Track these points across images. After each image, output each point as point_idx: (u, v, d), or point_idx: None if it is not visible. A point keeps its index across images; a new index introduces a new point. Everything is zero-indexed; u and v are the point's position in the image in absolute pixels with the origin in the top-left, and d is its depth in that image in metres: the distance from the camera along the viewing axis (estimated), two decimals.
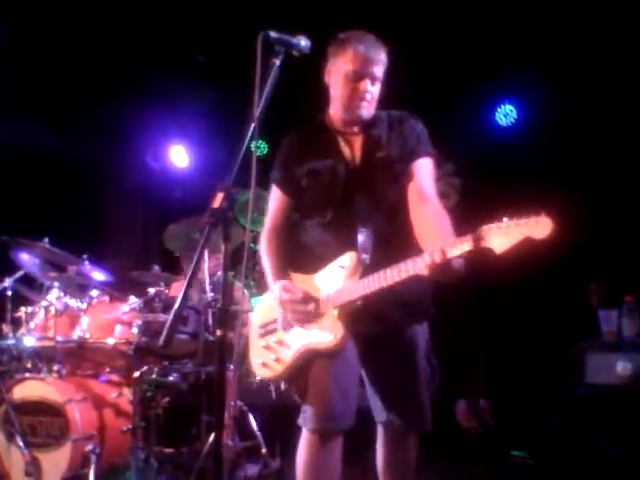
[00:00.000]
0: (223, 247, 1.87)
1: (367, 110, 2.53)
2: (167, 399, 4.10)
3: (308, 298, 2.44)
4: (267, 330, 2.60)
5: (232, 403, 3.71)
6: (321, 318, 2.42)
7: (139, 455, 3.79)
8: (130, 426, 3.83)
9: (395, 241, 2.46)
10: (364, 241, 2.44)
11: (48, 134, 6.30)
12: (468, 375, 5.35)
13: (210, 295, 4.21)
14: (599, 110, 5.29)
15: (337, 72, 2.52)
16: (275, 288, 2.52)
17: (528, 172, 5.43)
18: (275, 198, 2.70)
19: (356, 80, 2.47)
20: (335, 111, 2.60)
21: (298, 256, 2.62)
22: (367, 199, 2.49)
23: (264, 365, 2.57)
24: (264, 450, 4.05)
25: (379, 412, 2.59)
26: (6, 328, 4.27)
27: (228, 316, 1.88)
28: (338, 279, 2.42)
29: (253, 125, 2.05)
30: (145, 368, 3.97)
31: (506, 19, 5.12)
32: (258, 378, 2.58)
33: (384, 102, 2.61)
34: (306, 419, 2.41)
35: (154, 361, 4.13)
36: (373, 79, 2.50)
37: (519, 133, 6.00)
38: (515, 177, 5.36)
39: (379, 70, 2.51)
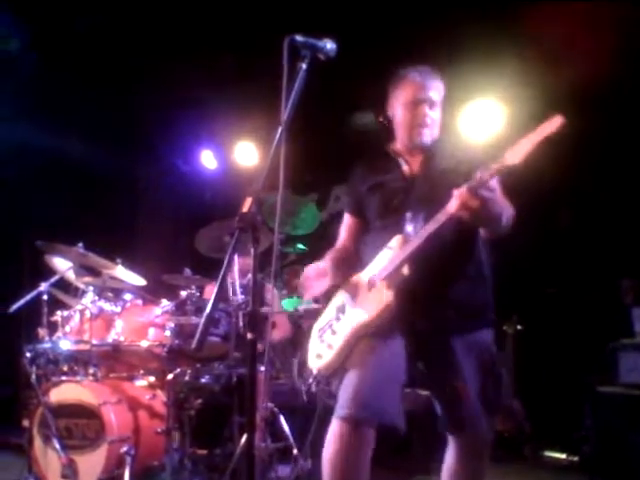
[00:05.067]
0: (252, 251, 1.88)
1: (429, 135, 2.63)
2: (200, 401, 4.13)
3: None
4: (323, 329, 2.65)
5: (263, 405, 3.73)
6: (370, 293, 2.47)
7: (173, 456, 3.83)
8: (164, 428, 3.87)
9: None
10: (413, 228, 2.49)
11: (80, 141, 6.39)
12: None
13: (241, 297, 4.24)
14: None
15: (398, 103, 2.67)
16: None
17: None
18: (344, 221, 2.84)
19: (415, 106, 2.61)
20: (399, 141, 2.71)
21: (359, 268, 2.65)
22: (422, 200, 2.53)
23: (318, 356, 2.61)
24: (295, 451, 4.06)
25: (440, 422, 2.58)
26: (42, 332, 4.33)
27: (258, 318, 1.89)
28: (387, 260, 2.48)
29: (281, 129, 2.07)
30: (178, 370, 4.01)
31: None
32: (313, 371, 2.56)
33: None
34: (338, 407, 2.34)
35: (187, 363, 4.17)
36: (431, 104, 2.62)
37: None
38: None
39: (436, 94, 2.64)
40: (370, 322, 2.41)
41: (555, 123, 2.07)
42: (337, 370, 2.53)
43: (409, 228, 2.50)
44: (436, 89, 2.65)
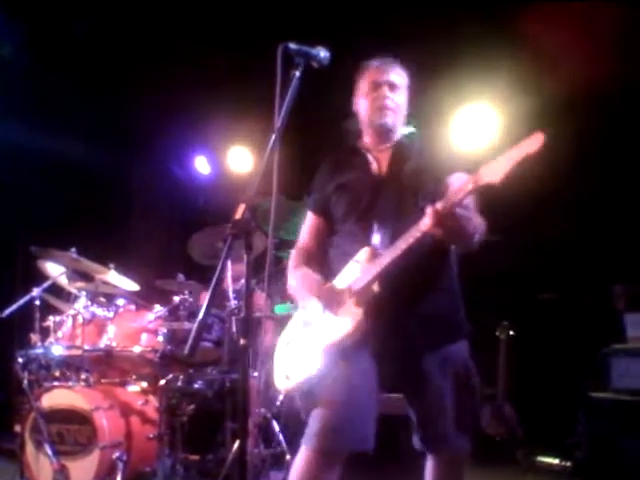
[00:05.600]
0: (245, 257, 1.89)
1: (391, 118, 2.55)
2: (192, 406, 4.13)
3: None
4: (290, 345, 2.55)
5: (256, 410, 3.73)
6: (340, 309, 2.36)
7: (165, 462, 3.82)
8: (156, 433, 3.87)
9: None
10: (381, 239, 2.40)
11: (73, 145, 6.38)
12: (494, 381, 5.32)
13: (234, 303, 4.24)
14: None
15: (360, 94, 2.62)
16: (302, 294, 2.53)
17: None
18: (307, 220, 2.73)
19: (375, 89, 2.55)
20: (366, 135, 2.65)
21: (326, 272, 2.57)
22: (389, 207, 2.46)
23: (286, 377, 2.49)
24: (288, 457, 4.06)
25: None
26: (35, 337, 4.33)
27: (251, 324, 1.89)
28: (355, 273, 2.39)
29: (274, 136, 2.08)
30: (171, 376, 4.01)
31: None
32: (281, 392, 2.41)
33: None
34: (309, 435, 2.24)
35: (179, 369, 4.17)
36: (392, 86, 2.55)
37: None
38: None
39: (397, 78, 2.57)
40: (339, 342, 2.32)
41: (536, 142, 1.94)
42: (306, 393, 2.43)
43: (376, 239, 2.42)
44: (397, 74, 2.58)
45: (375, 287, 2.31)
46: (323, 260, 2.63)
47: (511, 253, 5.70)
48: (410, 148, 2.57)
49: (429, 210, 2.08)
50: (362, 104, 2.61)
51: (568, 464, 4.68)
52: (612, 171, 5.35)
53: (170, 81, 5.92)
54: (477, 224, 2.25)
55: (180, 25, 5.49)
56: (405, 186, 2.47)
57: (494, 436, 5.21)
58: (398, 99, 2.57)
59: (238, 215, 1.90)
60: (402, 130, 2.64)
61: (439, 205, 2.07)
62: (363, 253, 2.40)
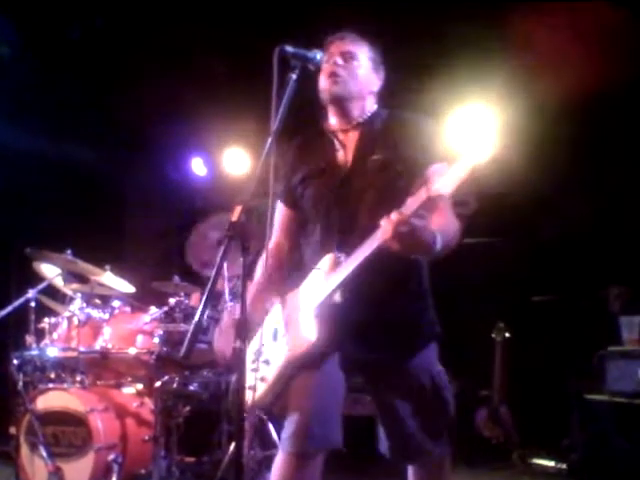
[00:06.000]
0: (242, 260, 1.89)
1: (341, 87, 2.38)
2: (188, 408, 4.14)
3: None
4: (257, 355, 2.41)
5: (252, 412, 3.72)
6: (300, 322, 2.28)
7: (161, 464, 3.82)
8: (152, 435, 3.87)
9: None
10: (343, 245, 2.27)
11: (68, 146, 6.37)
12: (490, 383, 5.33)
13: (230, 304, 4.24)
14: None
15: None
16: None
17: None
18: (278, 211, 2.57)
19: (327, 61, 2.37)
20: (328, 111, 2.49)
21: (295, 276, 2.48)
22: (352, 208, 2.34)
23: (250, 388, 2.34)
24: None
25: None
26: (30, 339, 4.32)
27: (246, 326, 1.89)
28: (318, 282, 2.29)
29: (271, 138, 2.08)
30: (166, 378, 4.01)
31: None
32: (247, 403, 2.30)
33: None
34: (283, 440, 2.23)
35: (175, 371, 4.17)
36: (343, 54, 2.39)
37: None
38: None
39: (352, 46, 2.42)
40: (300, 356, 2.24)
41: (484, 153, 1.83)
42: (274, 402, 2.39)
43: (339, 244, 2.29)
44: (352, 42, 2.42)
45: (337, 297, 2.22)
46: (297, 252, 2.54)
47: (507, 255, 5.71)
48: (377, 135, 2.40)
49: (383, 222, 1.98)
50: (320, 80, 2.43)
51: (563, 466, 4.69)
52: (608, 173, 5.37)
53: (167, 83, 5.92)
54: (443, 230, 2.10)
55: (177, 26, 5.49)
56: (370, 182, 2.34)
57: (490, 438, 5.22)
58: (354, 68, 2.40)
59: (234, 217, 1.90)
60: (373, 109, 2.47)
61: (393, 217, 1.95)
62: (325, 261, 2.28)
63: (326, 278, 2.25)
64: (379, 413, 2.43)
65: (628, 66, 4.63)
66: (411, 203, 1.96)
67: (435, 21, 4.89)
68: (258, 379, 2.35)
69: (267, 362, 2.36)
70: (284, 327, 2.37)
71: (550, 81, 4.82)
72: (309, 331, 2.23)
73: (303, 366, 2.27)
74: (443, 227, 2.12)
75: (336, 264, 2.24)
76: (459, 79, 5.05)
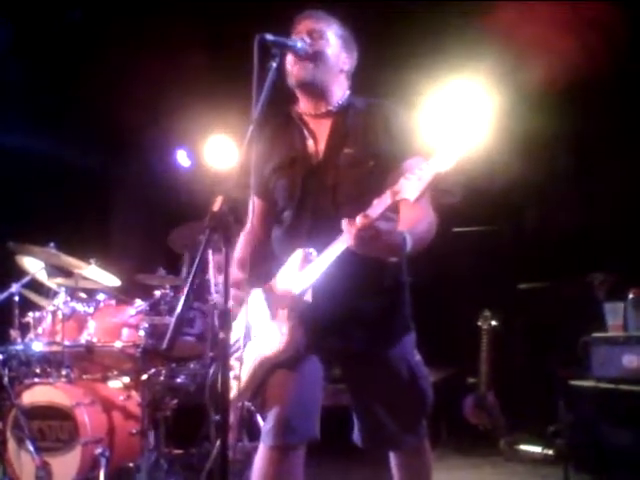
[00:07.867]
0: (224, 250, 1.88)
1: (310, 70, 2.31)
2: (175, 401, 4.13)
3: None
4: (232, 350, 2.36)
5: (239, 404, 3.71)
6: (273, 321, 2.25)
7: (149, 457, 3.82)
8: (139, 429, 3.86)
9: None
10: (315, 240, 2.23)
11: (51, 139, 6.32)
12: (476, 370, 5.35)
13: (216, 296, 4.23)
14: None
15: None
16: None
17: None
18: (252, 202, 2.41)
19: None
20: (301, 101, 2.43)
21: (268, 267, 2.44)
22: (322, 202, 2.30)
23: (236, 378, 2.33)
24: None
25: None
26: (14, 333, 4.30)
27: (230, 317, 1.89)
28: (289, 281, 2.24)
29: (251, 127, 2.06)
30: (153, 370, 4.00)
31: None
32: None
33: None
34: (264, 434, 2.22)
35: (161, 363, 4.16)
36: (310, 32, 2.32)
37: None
38: None
39: (316, 24, 2.35)
40: (274, 357, 2.21)
41: (447, 161, 1.81)
42: (253, 397, 2.38)
43: (310, 239, 2.25)
44: (317, 19, 2.35)
45: (308, 297, 2.18)
46: (270, 243, 2.50)
47: (493, 243, 5.73)
48: (350, 127, 2.33)
49: (347, 227, 1.94)
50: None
51: (550, 452, 4.73)
52: (594, 160, 5.39)
53: (148, 74, 5.87)
54: (415, 228, 2.06)
55: (157, 17, 5.45)
56: (342, 176, 2.28)
57: (477, 425, 5.25)
58: (319, 45, 2.31)
59: (216, 207, 1.89)
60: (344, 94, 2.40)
61: (358, 221, 1.92)
62: (296, 257, 2.23)
63: (296, 276, 2.21)
64: (353, 403, 2.42)
65: (614, 54, 4.64)
66: (376, 206, 1.94)
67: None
68: (232, 377, 2.27)
69: (241, 360, 2.30)
70: (259, 322, 2.32)
71: (536, 69, 4.82)
72: (281, 331, 2.19)
73: (278, 366, 2.25)
74: (415, 223, 2.09)
75: (306, 260, 2.19)
76: (444, 60, 5.01)
